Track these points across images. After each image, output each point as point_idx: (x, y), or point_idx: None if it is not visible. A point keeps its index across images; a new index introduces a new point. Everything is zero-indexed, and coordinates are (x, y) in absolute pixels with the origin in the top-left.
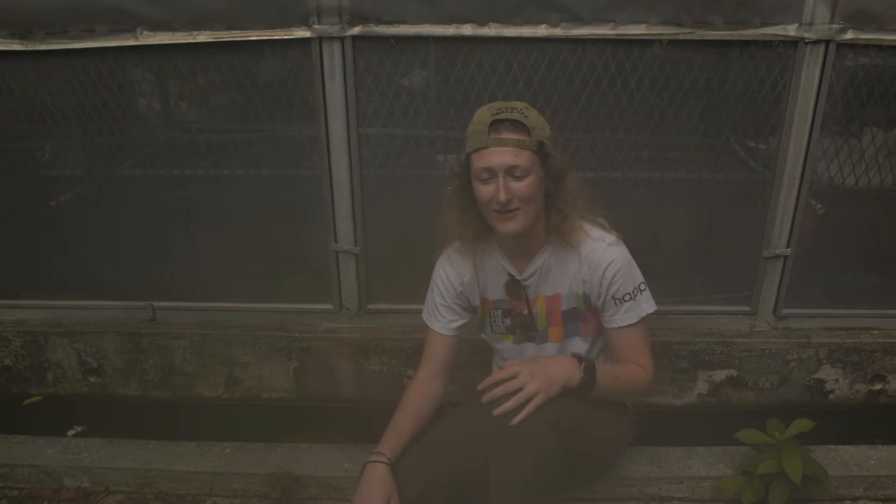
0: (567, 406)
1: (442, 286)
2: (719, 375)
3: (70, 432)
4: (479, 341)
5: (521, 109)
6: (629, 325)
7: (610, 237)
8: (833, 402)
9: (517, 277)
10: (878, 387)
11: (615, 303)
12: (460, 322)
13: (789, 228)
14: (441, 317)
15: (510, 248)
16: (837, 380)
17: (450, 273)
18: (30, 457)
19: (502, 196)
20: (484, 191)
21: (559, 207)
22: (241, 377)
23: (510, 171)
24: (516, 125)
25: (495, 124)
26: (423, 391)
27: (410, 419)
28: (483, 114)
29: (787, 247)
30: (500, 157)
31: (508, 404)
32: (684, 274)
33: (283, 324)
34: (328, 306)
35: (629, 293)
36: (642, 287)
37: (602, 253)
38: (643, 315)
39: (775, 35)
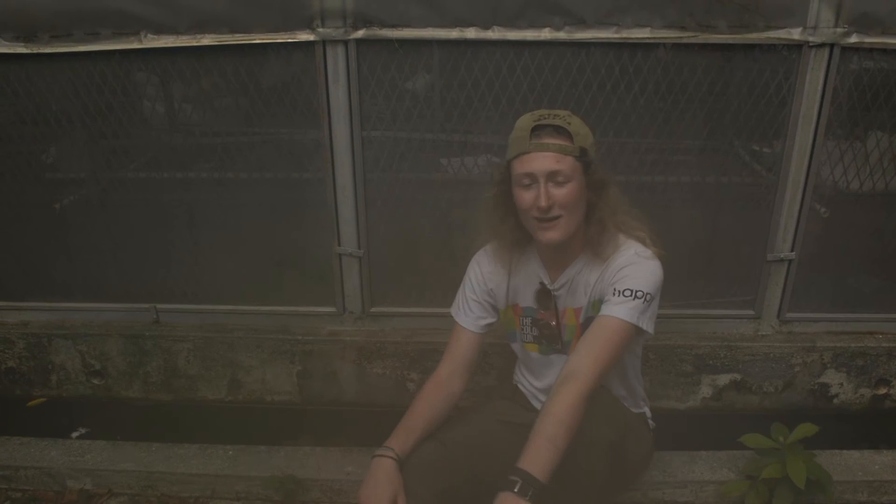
0: (622, 429)
1: (474, 280)
2: (723, 379)
3: (73, 434)
4: (488, 345)
5: (563, 116)
6: (608, 316)
7: (646, 252)
8: (837, 406)
9: (548, 287)
10: (882, 391)
11: (612, 293)
12: (488, 320)
13: (794, 232)
14: (470, 311)
15: (547, 256)
16: (842, 384)
17: (485, 269)
18: (33, 459)
19: (543, 202)
20: (525, 197)
21: (599, 217)
22: (244, 380)
23: (552, 177)
24: (559, 130)
25: (537, 129)
26: (440, 389)
27: (424, 416)
28: (525, 120)
29: (792, 250)
30: (541, 162)
31: None
32: (688, 277)
33: (286, 327)
34: (331, 309)
35: (630, 289)
36: (649, 298)
37: (626, 255)
38: (629, 320)
39: (779, 39)
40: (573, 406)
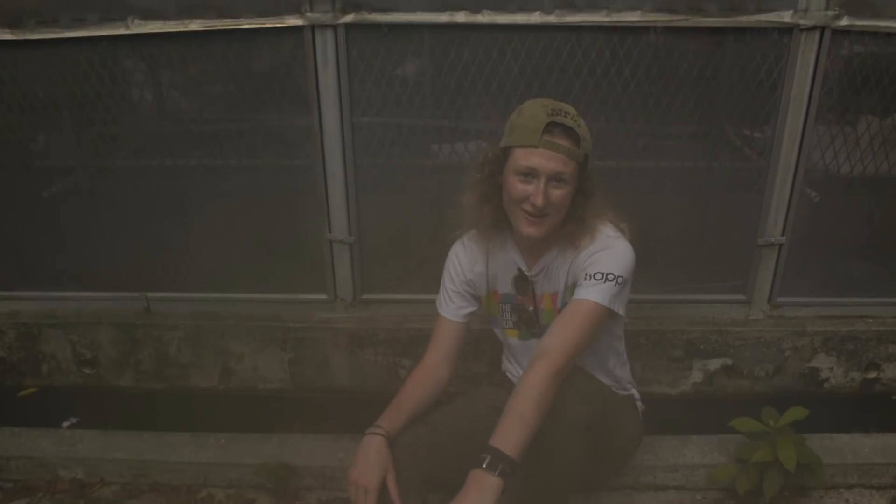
0: (599, 408)
1: (453, 271)
2: (714, 364)
3: (65, 424)
4: (479, 331)
5: (573, 116)
6: (580, 299)
7: (617, 234)
8: (828, 390)
9: (525, 273)
10: (872, 375)
11: (585, 276)
12: (469, 309)
13: (784, 216)
14: (451, 302)
15: (524, 244)
16: (832, 368)
17: (462, 259)
18: (24, 448)
19: (540, 201)
20: (521, 188)
21: (580, 216)
22: (236, 368)
23: (553, 177)
24: (569, 132)
25: (550, 126)
26: (427, 375)
27: (412, 398)
28: (537, 110)
29: (782, 235)
30: (548, 161)
31: None
32: (679, 262)
33: (278, 314)
34: (322, 296)
35: (601, 272)
36: (621, 281)
37: (600, 241)
38: (601, 302)
39: (770, 22)
40: (541, 382)
